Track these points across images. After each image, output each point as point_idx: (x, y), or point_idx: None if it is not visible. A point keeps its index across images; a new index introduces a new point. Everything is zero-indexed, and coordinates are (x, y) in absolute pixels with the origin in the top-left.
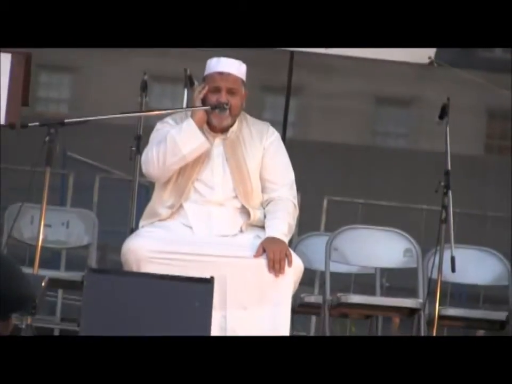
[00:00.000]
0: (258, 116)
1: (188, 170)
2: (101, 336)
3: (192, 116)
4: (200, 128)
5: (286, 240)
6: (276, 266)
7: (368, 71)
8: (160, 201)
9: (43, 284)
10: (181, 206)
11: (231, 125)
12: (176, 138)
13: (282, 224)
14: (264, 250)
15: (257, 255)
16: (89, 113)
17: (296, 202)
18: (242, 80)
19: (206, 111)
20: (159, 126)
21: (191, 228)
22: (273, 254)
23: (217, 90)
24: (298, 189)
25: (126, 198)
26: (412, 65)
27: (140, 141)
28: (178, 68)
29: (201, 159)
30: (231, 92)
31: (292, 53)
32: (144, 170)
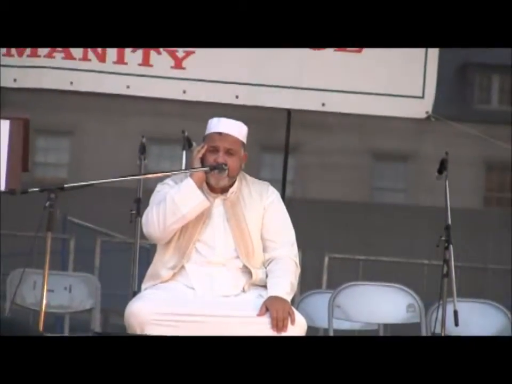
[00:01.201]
0: (256, 174)
1: (189, 231)
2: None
3: (191, 176)
4: (200, 187)
5: (289, 298)
6: (279, 325)
7: (365, 127)
8: (162, 262)
9: None
10: (182, 267)
11: (230, 186)
12: (175, 197)
13: (284, 283)
14: (267, 309)
15: (260, 314)
16: (88, 177)
17: (297, 260)
18: (242, 142)
19: (205, 171)
20: (159, 187)
21: (193, 289)
22: (276, 313)
23: (215, 150)
24: (299, 247)
25: (128, 261)
26: (409, 120)
27: (140, 203)
28: (175, 129)
29: (202, 219)
30: (229, 152)
31: (289, 111)
32: (145, 231)
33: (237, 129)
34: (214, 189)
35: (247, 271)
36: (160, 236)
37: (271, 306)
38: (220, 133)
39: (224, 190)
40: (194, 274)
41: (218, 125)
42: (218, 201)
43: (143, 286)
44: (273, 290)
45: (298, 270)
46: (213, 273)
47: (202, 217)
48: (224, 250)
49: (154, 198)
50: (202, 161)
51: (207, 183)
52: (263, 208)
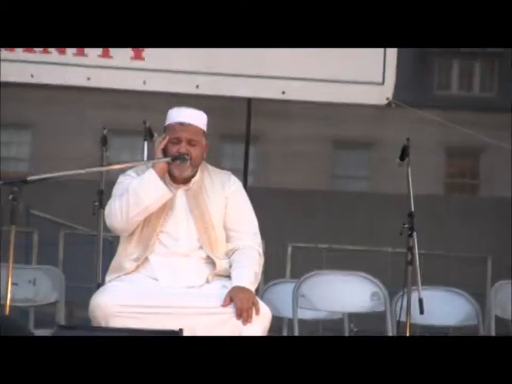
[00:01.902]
0: (217, 164)
1: (152, 222)
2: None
3: (153, 167)
4: (162, 178)
5: (253, 288)
6: (244, 315)
7: (326, 115)
8: (125, 254)
9: None
10: (146, 259)
11: (193, 176)
12: (138, 189)
13: (248, 273)
14: (231, 300)
15: (224, 304)
16: (50, 170)
17: (261, 250)
18: (204, 131)
19: (167, 161)
20: (121, 178)
21: (157, 280)
22: (241, 303)
23: (177, 141)
24: (262, 237)
25: (91, 254)
26: (369, 107)
27: (103, 195)
28: (135, 120)
29: (165, 210)
30: (191, 142)
31: (250, 100)
32: (108, 223)
33: (198, 119)
34: (176, 179)
35: (210, 261)
36: (123, 227)
37: (235, 297)
38: (181, 123)
39: (187, 181)
40: (157, 266)
41: (179, 114)
42: (180, 192)
43: (107, 278)
44: (237, 281)
45: (262, 260)
46: (176, 264)
47: (165, 208)
48: (187, 241)
49: (116, 190)
50: (165, 152)
51: (169, 174)
52: (225, 197)
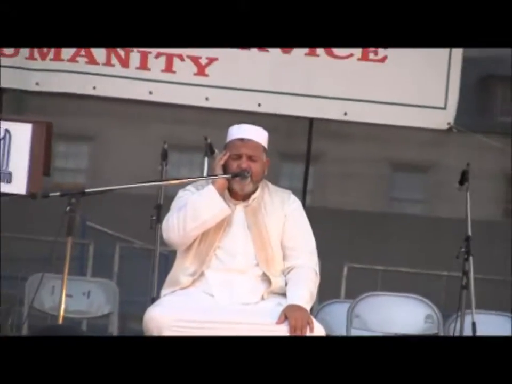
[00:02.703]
0: (276, 183)
1: (209, 238)
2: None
3: (212, 182)
4: (221, 194)
5: (308, 307)
6: (298, 333)
7: (386, 137)
8: (182, 268)
9: None
10: (202, 274)
11: (253, 192)
12: (196, 203)
13: (303, 291)
14: (286, 318)
15: (279, 322)
16: (107, 182)
17: (317, 269)
18: (264, 147)
19: (227, 178)
20: (180, 193)
21: (212, 295)
22: (295, 321)
23: (238, 157)
24: (318, 256)
25: (147, 268)
26: (430, 131)
27: (160, 210)
28: (195, 136)
29: (223, 226)
30: (251, 158)
31: (311, 120)
32: (165, 236)
33: (259, 135)
34: (235, 195)
35: (266, 279)
36: (180, 241)
37: (290, 315)
38: (241, 139)
39: (246, 197)
40: (213, 282)
41: (239, 131)
42: (239, 208)
43: (162, 292)
44: (292, 299)
45: (318, 279)
46: (232, 280)
47: (223, 224)
48: (244, 258)
49: (175, 204)
50: (225, 169)
51: (229, 190)
52: (284, 216)
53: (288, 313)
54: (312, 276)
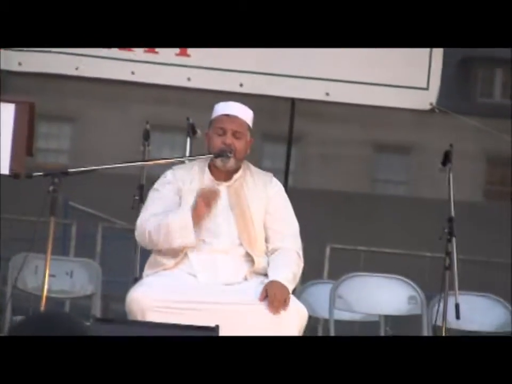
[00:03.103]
0: (258, 164)
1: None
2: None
3: (193, 212)
4: (196, 224)
5: (290, 287)
6: (276, 305)
7: (369, 118)
8: (164, 250)
9: None
10: (185, 255)
11: (235, 171)
12: (170, 228)
13: (285, 271)
14: (267, 294)
15: (261, 298)
16: (89, 163)
17: (301, 253)
18: (249, 126)
19: (210, 158)
20: (157, 186)
21: (195, 276)
22: (275, 295)
23: (223, 132)
24: (301, 237)
25: (129, 248)
26: (412, 112)
27: (143, 190)
28: (177, 116)
29: None
30: (236, 135)
31: (293, 100)
32: (136, 235)
33: (244, 113)
34: (218, 175)
35: (249, 259)
36: (147, 247)
37: (270, 290)
38: (227, 115)
39: (228, 177)
40: (197, 262)
41: (225, 107)
42: (222, 188)
43: (144, 273)
44: (274, 276)
45: (301, 263)
46: (215, 260)
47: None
48: (227, 238)
49: (151, 199)
50: (209, 144)
51: (212, 171)
52: (266, 197)
53: (269, 289)
54: (295, 258)
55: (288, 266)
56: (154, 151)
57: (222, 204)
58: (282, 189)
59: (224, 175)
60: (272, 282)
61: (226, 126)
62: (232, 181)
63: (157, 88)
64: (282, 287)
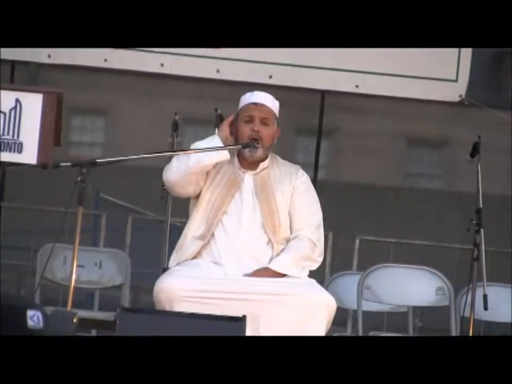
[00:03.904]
0: (291, 158)
1: (217, 202)
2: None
3: (218, 133)
4: (224, 142)
5: (284, 271)
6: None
7: (399, 111)
8: (190, 232)
9: (74, 321)
10: (208, 243)
11: (263, 159)
12: (196, 145)
13: (282, 257)
14: None
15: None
16: (122, 155)
17: (319, 243)
18: (275, 115)
19: (238, 149)
20: None
21: (221, 265)
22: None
23: (250, 119)
24: (330, 229)
25: (159, 239)
26: (442, 105)
27: None
28: (210, 110)
29: (231, 191)
30: (263, 122)
31: (323, 92)
32: (164, 177)
33: (271, 101)
34: (244, 164)
35: (271, 246)
36: (177, 181)
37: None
38: (254, 103)
39: (255, 166)
40: (221, 251)
41: (252, 96)
42: (248, 176)
43: (171, 258)
44: (270, 263)
45: (317, 251)
46: (239, 248)
47: (232, 189)
48: (251, 225)
49: None
50: (237, 133)
51: (239, 159)
52: (292, 187)
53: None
54: (306, 248)
55: (289, 251)
56: (187, 144)
57: (248, 190)
58: (308, 179)
59: (250, 163)
60: (258, 270)
61: (253, 113)
62: (258, 170)
63: (188, 81)
64: (267, 273)
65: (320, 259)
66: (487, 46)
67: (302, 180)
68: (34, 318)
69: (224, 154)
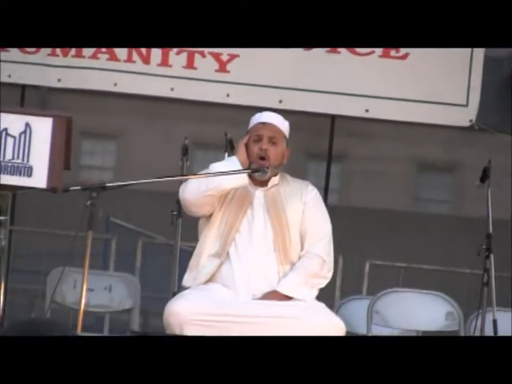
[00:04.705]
0: None
1: (230, 220)
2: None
3: (236, 154)
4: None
5: (293, 294)
6: None
7: (410, 135)
8: (205, 251)
9: None
10: (222, 263)
11: (272, 176)
12: (216, 167)
13: (289, 277)
14: None
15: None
16: (132, 179)
17: (327, 258)
18: (284, 135)
19: (247, 173)
20: None
21: (232, 288)
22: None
23: (259, 138)
24: (340, 253)
25: (169, 263)
26: (452, 129)
27: (181, 205)
28: (220, 134)
29: (243, 208)
30: (271, 141)
31: (333, 117)
32: (180, 195)
33: (280, 121)
34: (255, 182)
35: (281, 266)
36: (194, 201)
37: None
38: (263, 123)
39: (265, 183)
40: (233, 273)
41: (261, 116)
42: (259, 192)
43: (185, 278)
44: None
45: (326, 267)
46: (249, 271)
47: (244, 206)
48: (262, 242)
49: None
50: (247, 151)
51: (249, 175)
52: (303, 203)
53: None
54: (315, 265)
55: (297, 271)
56: (197, 169)
57: (259, 207)
58: (318, 195)
59: (260, 182)
60: (267, 293)
61: (262, 132)
62: (269, 186)
63: (198, 104)
64: (275, 296)
65: (330, 275)
66: (499, 46)
67: (312, 194)
68: None
69: (244, 180)
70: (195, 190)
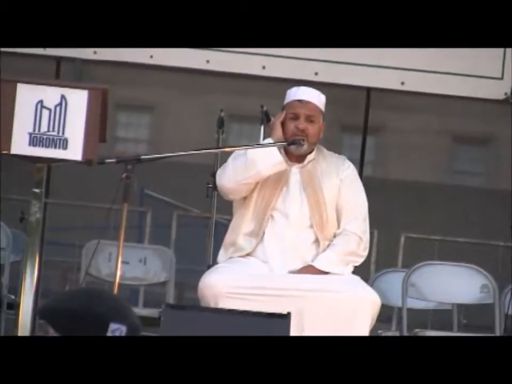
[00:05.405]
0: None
1: (266, 198)
2: None
3: (272, 136)
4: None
5: (329, 268)
6: None
7: (445, 108)
8: (241, 230)
9: None
10: (260, 240)
11: (309, 153)
12: (253, 153)
13: (326, 254)
14: None
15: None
16: (167, 152)
17: (364, 236)
18: (321, 110)
19: (283, 146)
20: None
21: (267, 262)
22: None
23: (296, 116)
24: (375, 226)
25: (204, 236)
26: (487, 102)
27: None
28: (256, 107)
29: (279, 186)
30: (309, 119)
31: (369, 89)
32: (217, 182)
33: (317, 97)
34: (291, 157)
35: (318, 244)
36: (231, 189)
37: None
38: (300, 100)
39: (301, 159)
40: (269, 249)
41: (298, 92)
42: (295, 169)
43: (219, 254)
44: (316, 261)
45: (363, 245)
46: (286, 248)
47: (280, 184)
48: (298, 219)
49: (232, 156)
50: (283, 129)
51: (285, 151)
52: (339, 180)
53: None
54: (352, 243)
55: (334, 248)
56: (233, 141)
57: (296, 184)
58: (355, 171)
59: (297, 157)
60: (303, 267)
61: (299, 111)
62: (305, 162)
63: (233, 77)
64: (311, 271)
65: (365, 253)
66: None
67: (348, 172)
68: (116, 332)
69: (282, 165)
70: (233, 179)
